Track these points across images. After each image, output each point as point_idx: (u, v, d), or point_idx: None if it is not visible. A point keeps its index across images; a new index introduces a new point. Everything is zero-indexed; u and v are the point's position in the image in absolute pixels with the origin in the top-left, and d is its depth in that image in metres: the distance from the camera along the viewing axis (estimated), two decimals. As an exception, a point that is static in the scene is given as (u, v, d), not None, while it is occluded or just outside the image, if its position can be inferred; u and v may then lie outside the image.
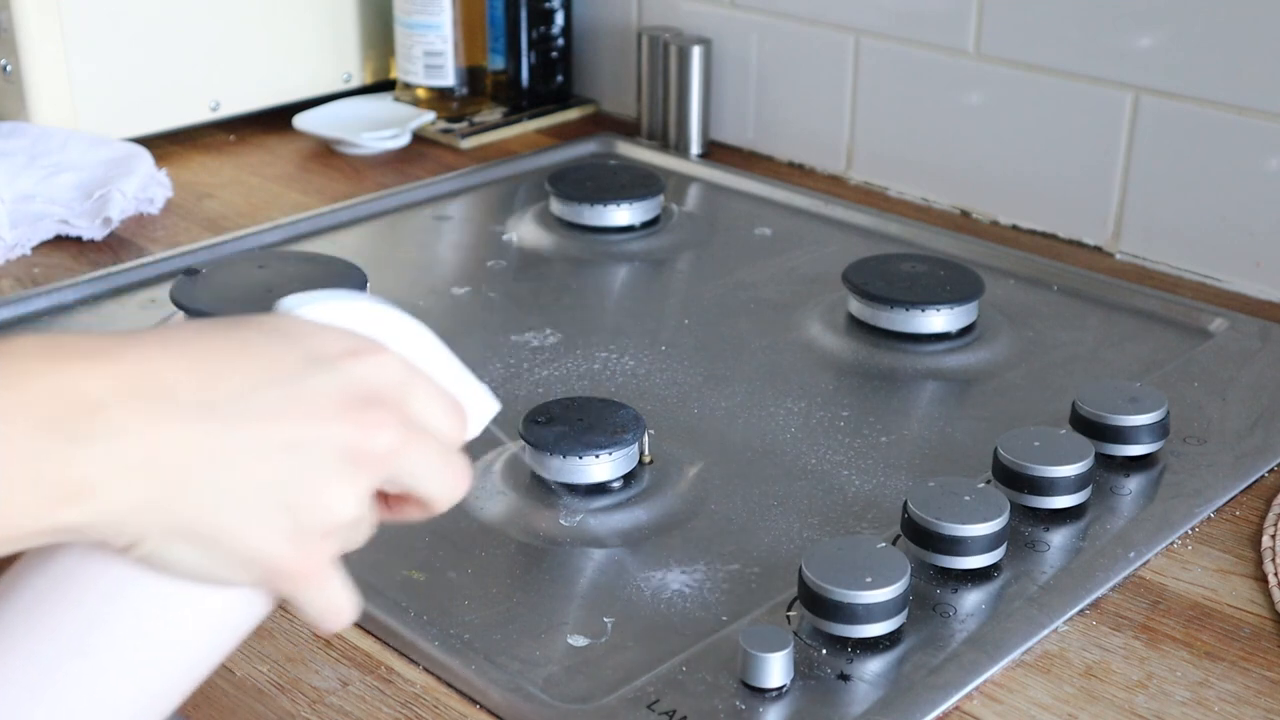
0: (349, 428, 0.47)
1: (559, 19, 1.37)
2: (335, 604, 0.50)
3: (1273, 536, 0.74)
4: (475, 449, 0.82)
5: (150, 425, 0.44)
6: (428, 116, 1.33)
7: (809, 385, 0.91)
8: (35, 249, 1.10)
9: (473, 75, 1.36)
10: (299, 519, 0.47)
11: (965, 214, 1.18)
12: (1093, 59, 1.08)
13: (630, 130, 1.35)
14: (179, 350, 0.46)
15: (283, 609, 0.69)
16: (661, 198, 1.15)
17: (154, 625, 0.48)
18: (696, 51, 1.27)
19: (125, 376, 0.44)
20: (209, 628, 0.49)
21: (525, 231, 1.13)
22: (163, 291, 1.00)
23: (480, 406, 0.55)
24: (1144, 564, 0.73)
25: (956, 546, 0.69)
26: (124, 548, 0.46)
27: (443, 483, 0.52)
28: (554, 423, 0.78)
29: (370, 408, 0.48)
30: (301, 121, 1.31)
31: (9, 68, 1.19)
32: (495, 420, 0.56)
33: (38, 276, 1.06)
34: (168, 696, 0.49)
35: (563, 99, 1.40)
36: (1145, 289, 1.02)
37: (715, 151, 1.31)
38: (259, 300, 0.94)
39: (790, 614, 0.67)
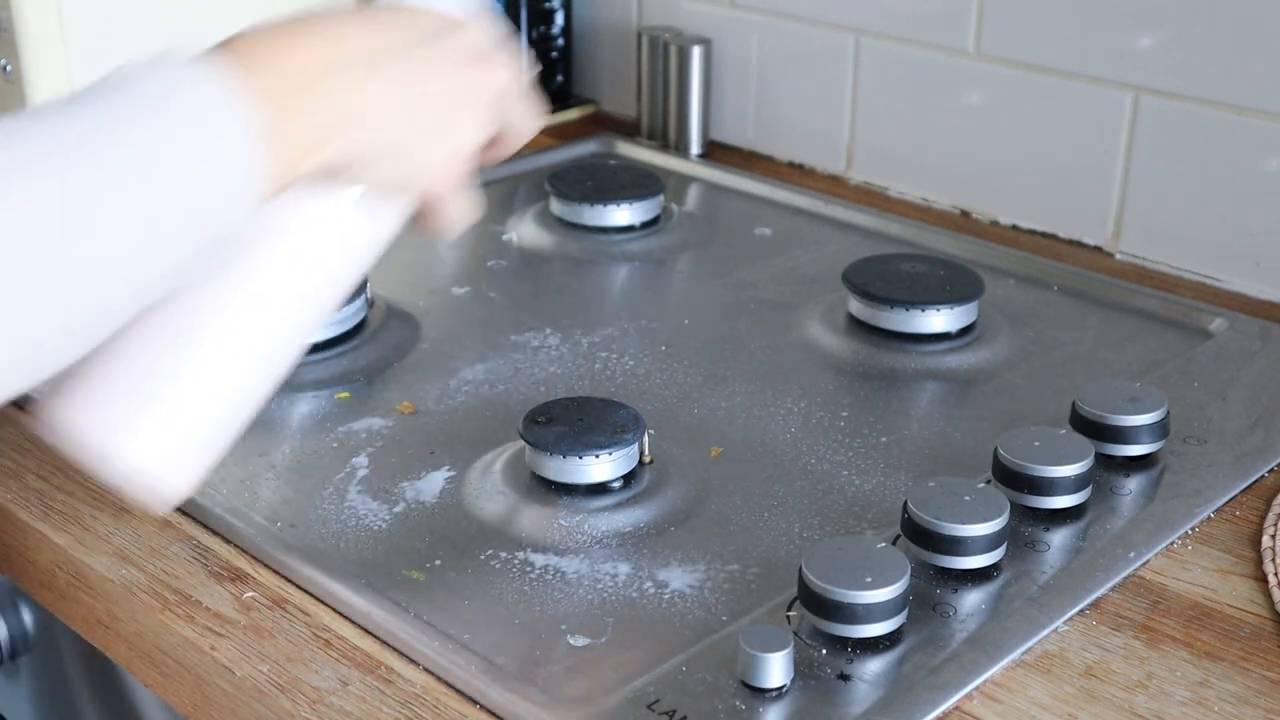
0: (473, 76, 0.64)
1: (559, 19, 1.37)
2: (463, 210, 0.67)
3: (1273, 536, 0.74)
4: (475, 450, 0.82)
5: (363, 80, 0.59)
6: (428, 116, 1.33)
7: (809, 385, 0.91)
8: (35, 249, 1.10)
9: (473, 75, 1.36)
10: (449, 145, 0.64)
11: (965, 214, 1.18)
12: (1093, 59, 1.08)
13: (630, 130, 1.35)
14: (353, 29, 0.60)
15: (283, 608, 0.69)
16: (661, 198, 1.15)
17: (336, 240, 0.63)
18: (696, 51, 1.28)
19: (336, 49, 0.58)
20: (370, 232, 0.65)
21: (525, 231, 1.13)
22: (163, 291, 1.00)
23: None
24: (1144, 564, 0.73)
25: (956, 546, 0.69)
26: (344, 173, 0.60)
27: (525, 119, 0.70)
28: (554, 423, 0.78)
29: (486, 61, 0.65)
30: (301, 121, 1.31)
31: (9, 68, 1.19)
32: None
33: (38, 276, 1.06)
34: (331, 295, 0.64)
35: (563, 99, 1.40)
36: (1145, 289, 1.02)
37: (715, 151, 1.31)
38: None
39: (790, 614, 0.67)
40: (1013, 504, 0.73)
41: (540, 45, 1.37)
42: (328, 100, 0.57)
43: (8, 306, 0.48)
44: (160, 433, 0.57)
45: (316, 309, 0.64)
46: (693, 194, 1.23)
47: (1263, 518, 0.76)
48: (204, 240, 0.54)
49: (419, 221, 0.68)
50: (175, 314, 0.58)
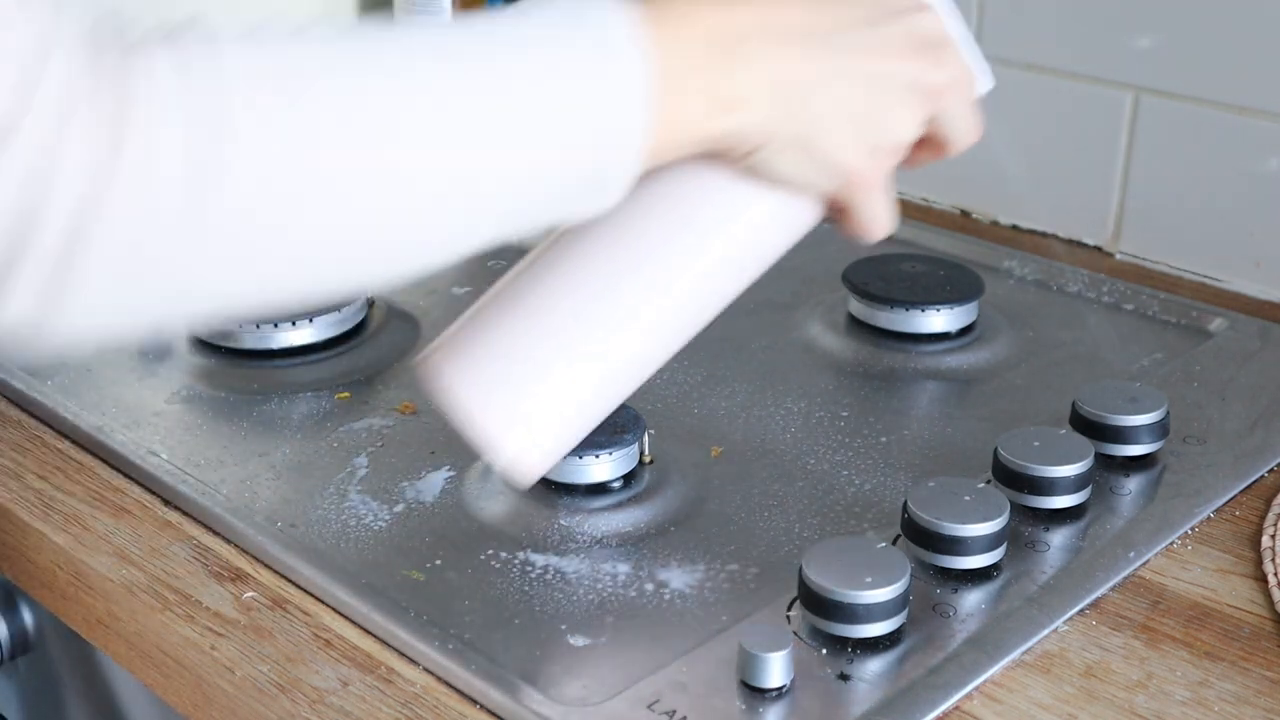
0: (917, 65, 0.59)
1: (559, 19, 1.37)
2: (883, 213, 0.62)
3: (1272, 536, 0.74)
4: (476, 449, 0.82)
5: (781, 53, 0.55)
6: (428, 116, 1.33)
7: (809, 385, 0.91)
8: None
9: (473, 75, 1.36)
10: (874, 137, 0.59)
11: (965, 214, 1.18)
12: (1093, 59, 1.08)
13: (630, 130, 1.35)
14: None
15: (283, 608, 0.70)
16: (662, 198, 1.14)
17: (744, 224, 0.61)
18: None
19: (760, 16, 0.55)
20: (776, 229, 0.62)
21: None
22: (163, 291, 1.00)
23: (983, 76, 0.66)
24: (1144, 564, 0.73)
25: (956, 546, 0.69)
26: (744, 155, 0.57)
27: (967, 125, 0.63)
28: (554, 423, 0.78)
29: (931, 51, 0.59)
30: (302, 121, 1.30)
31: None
32: None
33: (38, 276, 1.06)
34: (725, 295, 0.64)
35: (563, 99, 1.40)
36: (1145, 289, 1.02)
37: (715, 151, 1.31)
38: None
39: (790, 614, 0.67)
40: (1013, 504, 0.73)
41: (541, 45, 1.37)
42: (740, 67, 0.54)
43: (398, 188, 0.49)
44: (540, 429, 0.61)
45: (704, 309, 0.63)
46: (693, 194, 1.23)
47: (1262, 518, 0.76)
48: (576, 179, 0.54)
49: (834, 217, 0.63)
50: (575, 298, 0.61)
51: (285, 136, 0.47)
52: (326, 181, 0.48)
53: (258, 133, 0.47)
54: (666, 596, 0.70)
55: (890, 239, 1.11)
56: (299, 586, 0.71)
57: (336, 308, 0.94)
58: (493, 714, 0.63)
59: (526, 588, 0.71)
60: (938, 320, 0.94)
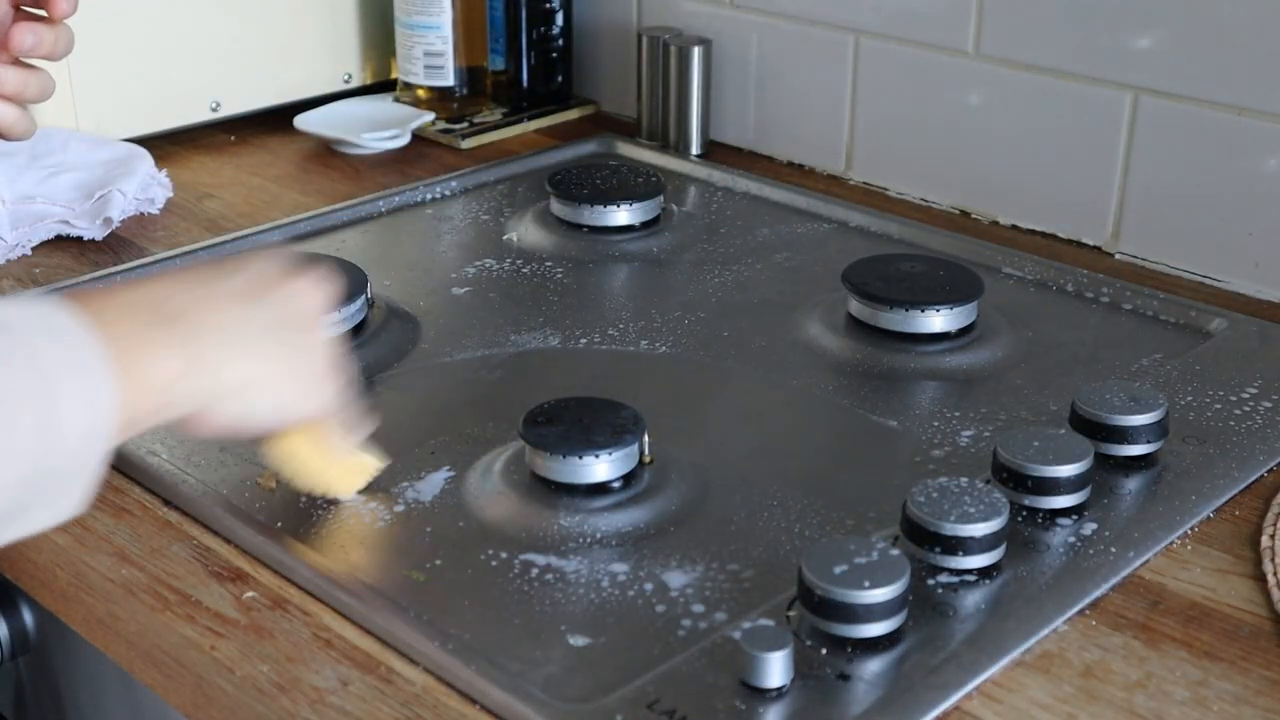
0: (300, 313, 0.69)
1: (559, 19, 1.37)
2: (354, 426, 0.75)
3: (1272, 536, 0.74)
4: (475, 450, 0.82)
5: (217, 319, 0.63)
6: (428, 117, 1.33)
7: (809, 385, 0.91)
8: (36, 249, 1.10)
9: (473, 75, 1.37)
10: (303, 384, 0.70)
11: (965, 214, 1.18)
12: (1093, 59, 1.08)
13: (630, 130, 1.35)
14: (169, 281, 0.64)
15: (283, 608, 0.69)
16: (661, 198, 1.15)
17: None
18: (696, 52, 1.28)
19: (171, 292, 0.63)
20: None
21: (525, 231, 1.13)
22: (163, 292, 1.00)
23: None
24: (1143, 564, 0.73)
25: (956, 546, 0.69)
26: (202, 417, 0.64)
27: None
28: (554, 423, 0.78)
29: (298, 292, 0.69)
30: (302, 121, 1.31)
31: (9, 68, 1.19)
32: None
33: (38, 277, 1.06)
34: None
35: (563, 99, 1.40)
36: (1145, 289, 1.02)
37: (715, 152, 1.31)
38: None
39: (790, 614, 0.67)
40: (1013, 504, 0.73)
41: (540, 45, 1.37)
42: (170, 405, 0.61)
43: None
44: None
45: None
46: (693, 194, 1.23)
47: (1262, 517, 0.76)
48: (49, 481, 0.54)
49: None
50: None
51: None
52: None
53: None
54: (667, 596, 0.70)
55: (890, 239, 1.12)
56: (299, 586, 0.71)
57: (336, 307, 0.94)
58: (493, 714, 0.63)
59: (526, 588, 0.71)
60: (938, 320, 0.94)
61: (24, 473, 0.53)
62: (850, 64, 1.22)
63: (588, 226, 1.12)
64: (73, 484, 0.56)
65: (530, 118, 1.37)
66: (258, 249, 0.74)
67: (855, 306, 0.97)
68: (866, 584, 0.64)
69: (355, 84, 1.39)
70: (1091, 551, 0.72)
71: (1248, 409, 0.86)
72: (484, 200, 1.21)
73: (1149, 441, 0.79)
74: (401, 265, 1.09)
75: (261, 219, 1.16)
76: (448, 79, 1.35)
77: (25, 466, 0.53)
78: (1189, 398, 0.87)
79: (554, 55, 1.38)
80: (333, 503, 0.78)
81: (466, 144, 1.32)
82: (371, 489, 0.79)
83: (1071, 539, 0.73)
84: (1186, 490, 0.78)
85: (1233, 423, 0.84)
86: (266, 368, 0.66)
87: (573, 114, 1.40)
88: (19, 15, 0.83)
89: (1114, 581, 0.71)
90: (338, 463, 0.76)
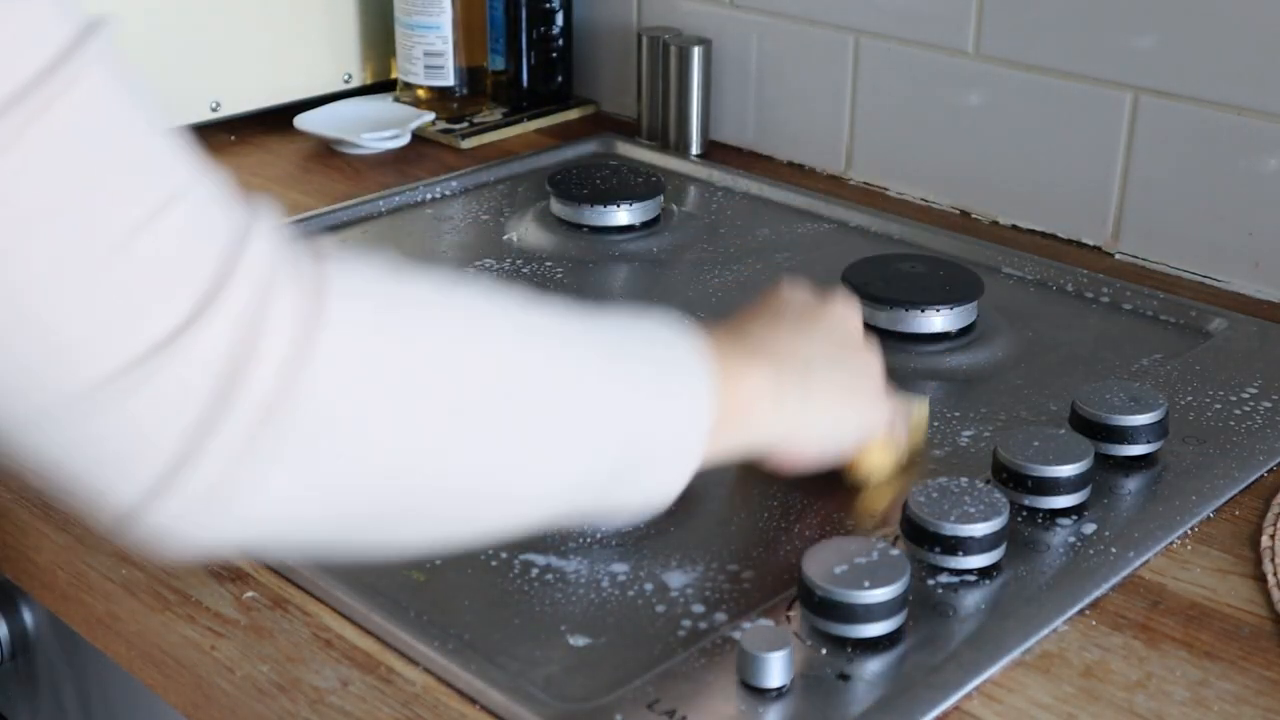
0: (869, 385, 0.76)
1: (559, 19, 1.37)
2: (880, 466, 0.78)
3: (1272, 536, 0.74)
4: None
5: (780, 413, 0.69)
6: (428, 117, 1.33)
7: (809, 385, 0.91)
8: (35, 249, 1.10)
9: (473, 75, 1.37)
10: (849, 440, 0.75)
11: (965, 214, 1.18)
12: (1093, 59, 1.08)
13: (630, 130, 1.35)
14: (786, 348, 0.70)
15: (283, 608, 0.69)
16: (661, 198, 1.15)
17: None
18: (696, 51, 1.28)
19: (770, 377, 0.68)
20: None
21: (525, 231, 1.13)
22: (163, 292, 1.00)
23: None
24: (1143, 564, 0.73)
25: (956, 546, 0.69)
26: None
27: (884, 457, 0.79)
28: (554, 423, 0.78)
29: (868, 361, 0.76)
30: (302, 121, 1.31)
31: (9, 68, 1.19)
32: None
33: (38, 277, 1.06)
34: None
35: (563, 99, 1.40)
36: (1145, 289, 1.02)
37: (715, 151, 1.31)
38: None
39: (790, 614, 0.67)
40: (1013, 504, 0.73)
41: (540, 45, 1.37)
42: (758, 424, 0.68)
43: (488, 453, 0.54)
44: None
45: None
46: (693, 194, 1.23)
47: (1262, 517, 0.76)
48: (626, 499, 0.63)
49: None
50: None
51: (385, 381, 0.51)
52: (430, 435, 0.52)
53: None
54: (667, 596, 0.70)
55: (890, 239, 1.12)
56: (299, 586, 0.71)
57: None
58: (493, 714, 0.63)
59: (526, 588, 0.71)
60: (938, 320, 0.94)
61: (633, 433, 0.60)
62: (850, 64, 1.22)
63: (588, 226, 1.12)
64: (666, 469, 0.62)
65: (530, 118, 1.37)
66: (779, 283, 0.76)
67: (855, 306, 0.97)
68: (866, 584, 0.64)
69: (355, 84, 1.39)
70: (1091, 551, 0.72)
71: (1248, 409, 0.86)
72: (484, 200, 1.21)
73: (1149, 441, 0.79)
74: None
75: (261, 219, 1.16)
76: (448, 79, 1.35)
77: (636, 428, 0.60)
78: (1189, 398, 0.87)
79: (554, 55, 1.38)
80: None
81: (466, 144, 1.32)
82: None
83: (1071, 539, 0.73)
84: (1186, 490, 0.78)
85: (1233, 423, 0.84)
86: (843, 394, 0.72)
87: (573, 114, 1.40)
88: None
89: (1114, 581, 0.71)
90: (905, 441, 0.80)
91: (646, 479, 0.62)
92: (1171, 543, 0.74)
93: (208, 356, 0.45)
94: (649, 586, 0.71)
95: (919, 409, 0.82)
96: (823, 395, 0.70)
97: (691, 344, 0.63)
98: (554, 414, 0.56)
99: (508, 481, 0.56)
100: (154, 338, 0.45)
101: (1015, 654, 0.66)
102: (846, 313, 0.75)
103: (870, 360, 0.75)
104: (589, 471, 0.59)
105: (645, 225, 1.13)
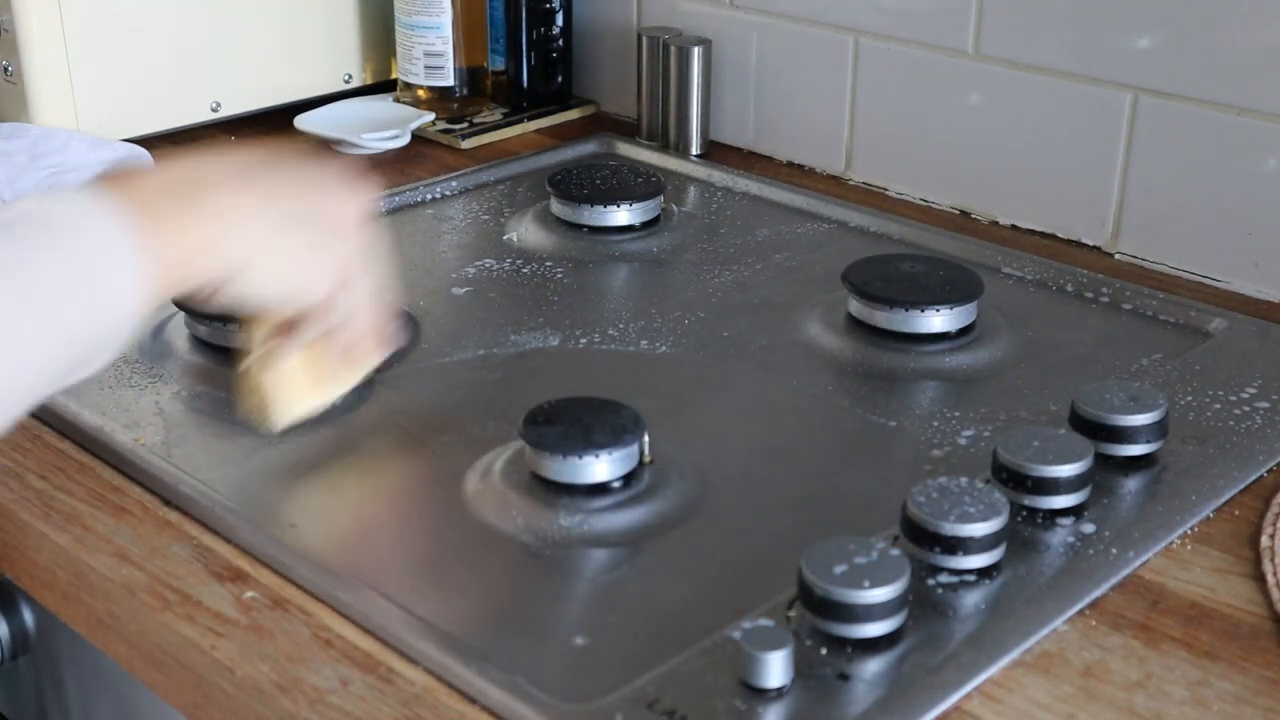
0: (333, 195, 0.77)
1: (559, 19, 1.37)
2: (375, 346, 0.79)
3: (1271, 536, 0.74)
4: (475, 450, 0.82)
5: (221, 197, 0.69)
6: (428, 117, 1.33)
7: (809, 385, 0.91)
8: (36, 249, 1.10)
9: (473, 75, 1.37)
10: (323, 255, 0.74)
11: (965, 214, 1.18)
12: (1092, 59, 1.08)
13: (630, 130, 1.35)
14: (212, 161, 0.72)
15: (283, 608, 0.70)
16: (661, 198, 1.15)
17: None
18: (696, 52, 1.28)
19: (193, 174, 0.70)
20: None
21: (525, 231, 1.13)
22: (163, 292, 1.00)
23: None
24: (1143, 564, 0.73)
25: (956, 546, 0.69)
26: (229, 286, 0.69)
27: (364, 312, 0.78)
28: (554, 423, 0.78)
29: (340, 187, 0.76)
30: (302, 122, 1.31)
31: (10, 69, 1.19)
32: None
33: (38, 277, 1.06)
34: None
35: (563, 99, 1.40)
36: (1144, 289, 1.02)
37: (715, 152, 1.31)
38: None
39: (790, 614, 0.68)
40: (1013, 504, 0.73)
41: (540, 45, 1.37)
42: (197, 218, 0.67)
43: None
44: None
45: None
46: (693, 194, 1.23)
47: (1262, 517, 0.76)
48: (96, 343, 0.64)
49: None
50: None
51: None
52: None
53: None
54: (667, 596, 0.70)
55: (890, 239, 1.12)
56: (299, 586, 0.71)
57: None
58: (493, 714, 0.63)
59: (527, 588, 0.71)
60: (937, 320, 0.94)
61: (70, 337, 0.63)
62: (850, 64, 1.22)
63: (588, 226, 1.12)
64: (108, 347, 0.65)
65: (530, 118, 1.37)
66: (295, 153, 0.78)
67: (855, 306, 0.97)
68: (866, 584, 0.64)
69: (355, 84, 1.39)
70: (1091, 551, 0.72)
71: (1247, 409, 0.86)
72: (484, 200, 1.21)
73: (1149, 441, 0.79)
74: (401, 265, 1.09)
75: (261, 219, 1.16)
76: (448, 79, 1.35)
77: (71, 333, 0.63)
78: (1189, 398, 0.87)
79: (554, 55, 1.38)
80: (333, 502, 0.78)
81: (466, 144, 1.32)
82: (372, 488, 0.79)
83: (1071, 539, 0.73)
84: (1186, 490, 0.78)
85: (1232, 423, 0.84)
86: (270, 247, 0.71)
87: (573, 114, 1.40)
88: None
89: (1114, 581, 0.71)
90: (323, 371, 0.78)
91: (84, 369, 0.65)
92: (1171, 543, 0.74)
93: None
94: (649, 586, 0.71)
95: (359, 369, 0.80)
96: (250, 239, 0.70)
97: (113, 223, 0.64)
98: None
99: None
100: None
101: (1015, 654, 0.66)
102: (343, 194, 0.76)
103: (332, 239, 0.74)
104: (42, 372, 0.62)
105: (645, 225, 1.13)
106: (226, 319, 0.92)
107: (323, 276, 0.74)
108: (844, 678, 0.64)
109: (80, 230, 0.63)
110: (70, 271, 0.62)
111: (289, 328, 0.76)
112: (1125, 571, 0.72)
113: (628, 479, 0.78)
